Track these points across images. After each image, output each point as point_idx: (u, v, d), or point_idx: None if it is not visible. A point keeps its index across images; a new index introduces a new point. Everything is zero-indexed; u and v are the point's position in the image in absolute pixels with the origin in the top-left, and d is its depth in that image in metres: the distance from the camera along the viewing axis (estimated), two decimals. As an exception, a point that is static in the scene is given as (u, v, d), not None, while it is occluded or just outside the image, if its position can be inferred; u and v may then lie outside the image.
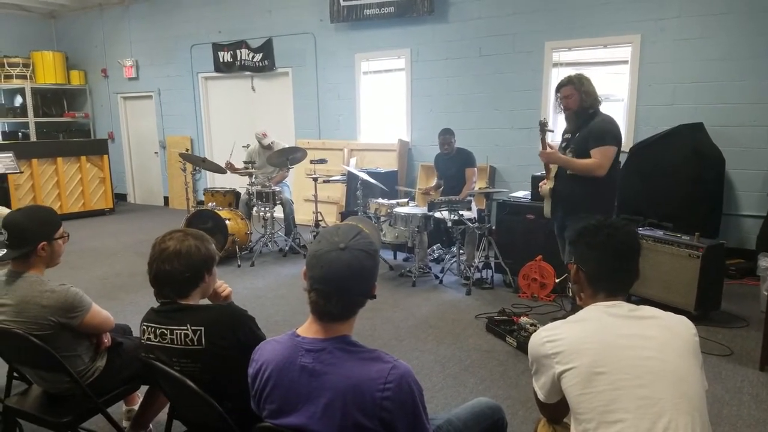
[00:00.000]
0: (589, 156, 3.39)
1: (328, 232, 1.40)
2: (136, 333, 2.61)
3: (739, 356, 3.37)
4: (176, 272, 1.74)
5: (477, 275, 4.76)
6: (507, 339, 3.59)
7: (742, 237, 5.29)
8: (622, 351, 1.40)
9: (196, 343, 1.69)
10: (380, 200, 5.13)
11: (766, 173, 5.13)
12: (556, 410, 1.56)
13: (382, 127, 7.38)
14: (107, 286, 5.01)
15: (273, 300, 4.56)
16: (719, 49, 5.20)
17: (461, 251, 4.89)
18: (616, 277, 1.56)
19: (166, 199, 9.60)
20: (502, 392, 3.00)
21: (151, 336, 1.75)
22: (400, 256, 5.81)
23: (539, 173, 5.03)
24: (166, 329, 1.73)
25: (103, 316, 2.16)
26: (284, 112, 8.08)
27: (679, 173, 5.05)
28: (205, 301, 1.91)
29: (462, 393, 2.99)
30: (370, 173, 5.39)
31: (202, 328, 1.69)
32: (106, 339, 2.23)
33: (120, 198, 9.94)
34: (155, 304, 1.81)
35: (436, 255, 5.56)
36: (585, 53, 5.97)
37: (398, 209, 4.94)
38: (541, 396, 1.54)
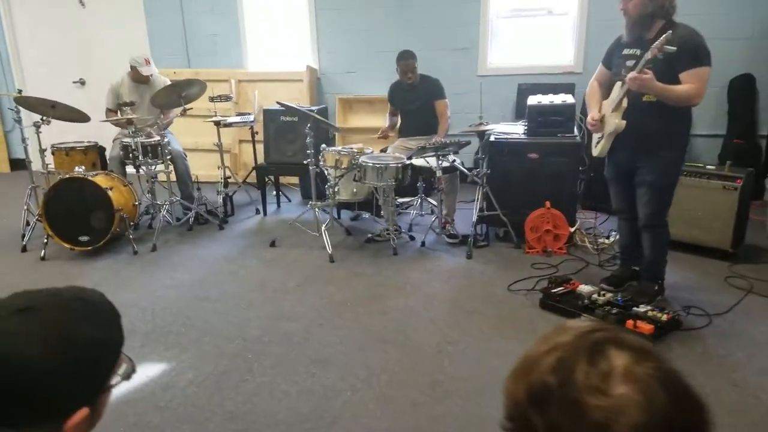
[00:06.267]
0: (672, 79, 2.63)
1: None
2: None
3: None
4: None
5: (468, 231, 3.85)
6: (583, 319, 2.78)
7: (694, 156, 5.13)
8: None
9: None
10: (334, 149, 3.83)
11: (719, 90, 4.95)
12: None
13: (279, 52, 5.83)
14: None
15: (222, 302, 3.09)
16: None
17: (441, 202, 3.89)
18: None
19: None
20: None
21: None
22: (344, 215, 4.60)
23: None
24: None
25: None
26: (132, 34, 5.99)
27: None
28: None
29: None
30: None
31: None
32: None
33: None
34: None
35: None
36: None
37: (365, 159, 3.70)
38: None
